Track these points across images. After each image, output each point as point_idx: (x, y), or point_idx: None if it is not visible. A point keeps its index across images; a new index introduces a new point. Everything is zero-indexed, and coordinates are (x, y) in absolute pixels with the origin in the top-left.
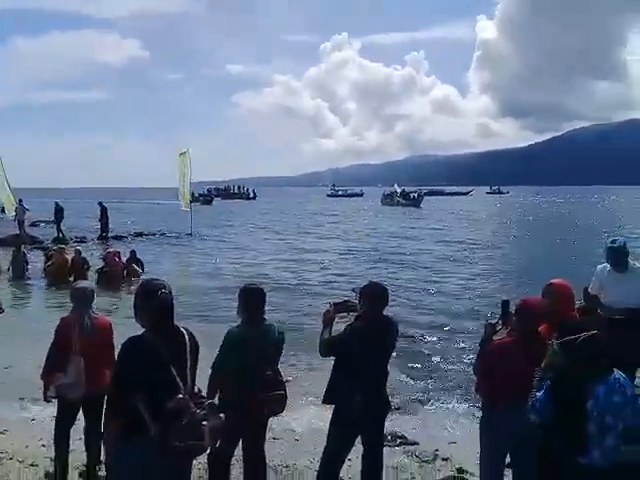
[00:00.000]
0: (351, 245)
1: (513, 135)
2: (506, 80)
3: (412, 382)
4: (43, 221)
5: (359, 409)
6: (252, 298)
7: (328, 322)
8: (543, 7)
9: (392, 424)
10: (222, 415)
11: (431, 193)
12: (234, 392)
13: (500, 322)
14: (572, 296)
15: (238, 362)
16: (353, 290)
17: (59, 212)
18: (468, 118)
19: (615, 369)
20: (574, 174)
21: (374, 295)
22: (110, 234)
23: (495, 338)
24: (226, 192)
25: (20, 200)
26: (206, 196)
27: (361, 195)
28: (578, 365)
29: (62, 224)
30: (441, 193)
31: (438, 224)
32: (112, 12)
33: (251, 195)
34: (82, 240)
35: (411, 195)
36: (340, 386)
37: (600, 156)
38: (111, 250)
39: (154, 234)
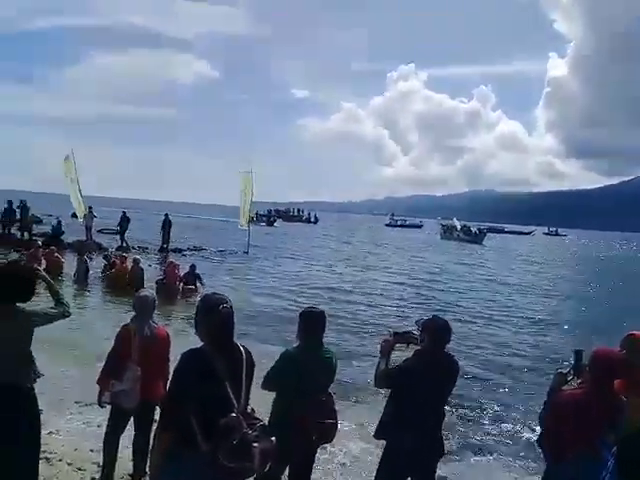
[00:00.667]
0: (401, 279)
1: (578, 176)
2: (574, 120)
3: (465, 428)
4: (109, 229)
5: (410, 448)
6: (312, 322)
7: (386, 352)
8: (616, 48)
9: (442, 468)
10: (273, 439)
11: (491, 230)
12: (284, 414)
13: (572, 372)
14: None
15: (292, 383)
16: (416, 322)
17: (125, 221)
18: (533, 156)
19: None
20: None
21: (437, 330)
22: (170, 247)
23: (565, 388)
24: (286, 214)
25: (90, 207)
26: (269, 217)
27: (420, 227)
28: None
29: (126, 233)
30: (502, 231)
31: (497, 264)
32: (185, 32)
33: (312, 219)
34: (144, 250)
35: (472, 231)
36: (393, 422)
37: None
38: (172, 261)
39: (211, 250)
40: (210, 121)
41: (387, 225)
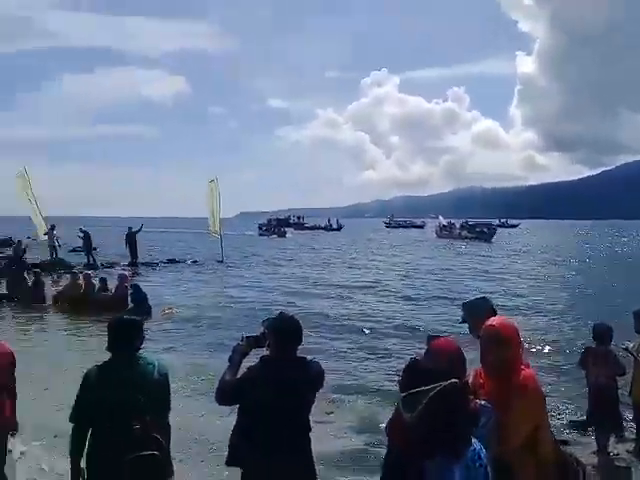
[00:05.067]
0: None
1: (559, 168)
2: (549, 113)
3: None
4: (80, 248)
5: (267, 474)
6: (119, 330)
7: (236, 360)
8: (581, 41)
9: None
10: None
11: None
12: (92, 451)
13: None
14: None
15: (93, 410)
16: (262, 322)
17: (87, 239)
18: (513, 151)
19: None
20: (625, 208)
21: (280, 331)
22: (141, 261)
23: None
24: (299, 224)
25: (52, 226)
26: (279, 227)
27: (422, 226)
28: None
29: (94, 250)
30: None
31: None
32: (155, 50)
33: (335, 226)
34: (112, 266)
35: (477, 228)
36: (243, 444)
37: None
38: (124, 274)
39: (184, 261)
40: (185, 137)
41: (387, 226)
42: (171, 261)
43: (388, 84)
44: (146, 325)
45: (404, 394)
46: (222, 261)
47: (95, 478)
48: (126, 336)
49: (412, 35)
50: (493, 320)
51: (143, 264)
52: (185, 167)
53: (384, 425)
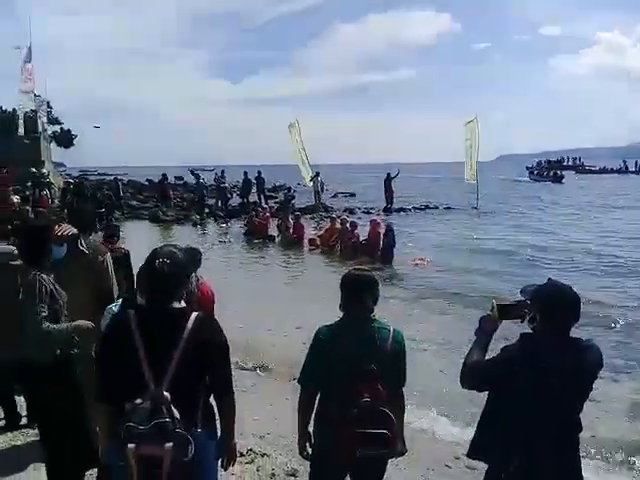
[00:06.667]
0: None
1: None
2: None
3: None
4: (343, 193)
5: (519, 473)
6: (352, 286)
7: (486, 334)
8: None
9: None
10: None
11: None
12: (319, 417)
13: None
14: None
15: (321, 374)
16: (521, 291)
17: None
18: None
19: None
20: None
21: (555, 302)
22: (395, 207)
23: None
24: (558, 164)
25: (317, 173)
26: (552, 169)
27: None
28: None
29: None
30: None
31: None
32: None
33: (631, 168)
34: (368, 211)
35: None
36: (495, 437)
37: None
38: (375, 219)
39: (437, 207)
40: (453, 77)
41: None
42: (423, 207)
43: None
44: (388, 271)
45: None
46: (477, 208)
47: (322, 446)
48: (360, 294)
49: None
50: None
51: (397, 210)
52: (448, 109)
53: None
